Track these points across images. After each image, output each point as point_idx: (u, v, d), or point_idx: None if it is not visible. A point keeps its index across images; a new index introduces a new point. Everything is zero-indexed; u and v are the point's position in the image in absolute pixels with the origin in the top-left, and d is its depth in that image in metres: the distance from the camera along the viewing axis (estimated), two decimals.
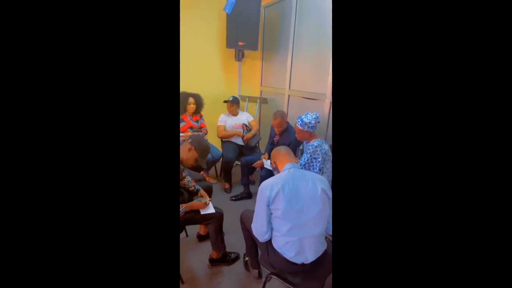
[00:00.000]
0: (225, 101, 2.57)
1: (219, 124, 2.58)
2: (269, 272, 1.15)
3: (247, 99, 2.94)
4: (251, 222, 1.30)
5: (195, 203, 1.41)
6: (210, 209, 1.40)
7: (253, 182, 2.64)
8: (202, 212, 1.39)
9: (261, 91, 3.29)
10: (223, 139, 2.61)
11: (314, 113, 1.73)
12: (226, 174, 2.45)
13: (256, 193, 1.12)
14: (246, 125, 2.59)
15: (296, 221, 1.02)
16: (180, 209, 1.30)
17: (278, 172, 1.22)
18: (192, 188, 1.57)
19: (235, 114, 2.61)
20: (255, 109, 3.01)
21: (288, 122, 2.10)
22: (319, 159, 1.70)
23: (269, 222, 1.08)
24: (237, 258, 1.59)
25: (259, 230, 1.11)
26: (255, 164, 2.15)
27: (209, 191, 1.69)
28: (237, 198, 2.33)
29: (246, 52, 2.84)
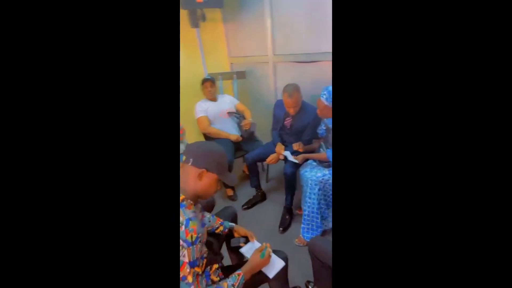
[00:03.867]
0: (205, 80, 1.90)
1: (199, 115, 1.92)
2: None
3: (219, 77, 2.28)
4: (327, 253, 0.92)
5: (255, 262, 0.83)
6: (278, 263, 0.89)
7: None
8: (270, 273, 0.86)
9: (231, 64, 2.64)
10: (211, 136, 1.99)
11: None
12: None
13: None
14: (234, 112, 2.01)
15: None
16: (236, 281, 0.77)
17: None
18: (221, 228, 1.03)
19: (214, 98, 1.99)
20: (232, 88, 2.40)
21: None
22: None
23: None
24: None
25: None
26: (268, 159, 1.67)
27: (212, 207, 1.29)
28: (251, 204, 1.86)
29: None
